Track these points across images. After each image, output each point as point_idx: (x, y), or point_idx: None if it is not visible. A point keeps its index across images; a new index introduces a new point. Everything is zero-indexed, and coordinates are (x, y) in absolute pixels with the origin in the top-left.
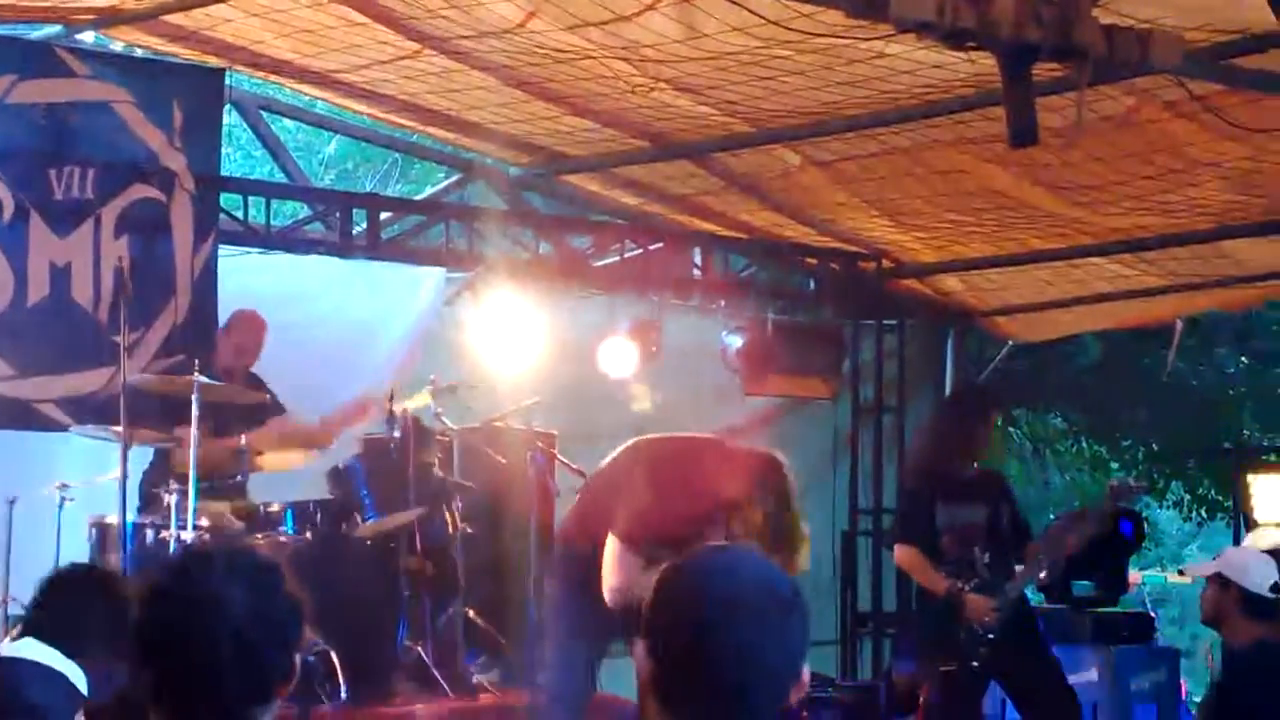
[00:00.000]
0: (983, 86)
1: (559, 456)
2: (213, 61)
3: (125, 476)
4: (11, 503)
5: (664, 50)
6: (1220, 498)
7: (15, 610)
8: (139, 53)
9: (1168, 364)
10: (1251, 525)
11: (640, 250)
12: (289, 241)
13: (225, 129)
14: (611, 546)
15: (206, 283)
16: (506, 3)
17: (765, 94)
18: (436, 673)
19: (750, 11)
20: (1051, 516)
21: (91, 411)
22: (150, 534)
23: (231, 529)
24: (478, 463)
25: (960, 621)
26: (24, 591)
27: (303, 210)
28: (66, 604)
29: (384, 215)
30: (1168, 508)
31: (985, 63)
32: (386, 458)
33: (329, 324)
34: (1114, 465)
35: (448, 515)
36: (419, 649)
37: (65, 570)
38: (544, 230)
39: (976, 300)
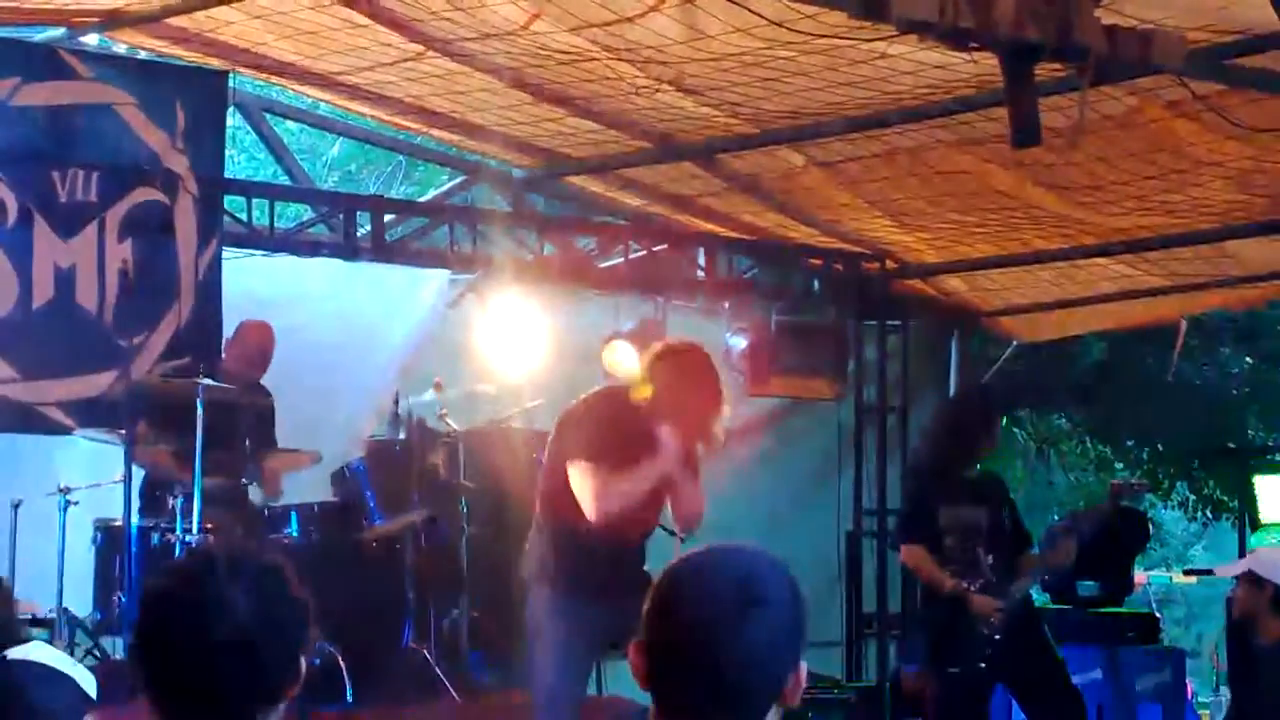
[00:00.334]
0: (985, 87)
1: None
2: (216, 64)
3: (129, 479)
4: (15, 506)
5: (667, 52)
6: (1225, 498)
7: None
8: (142, 55)
9: (1172, 364)
10: (1256, 525)
11: (644, 251)
12: (293, 244)
13: (229, 131)
14: (576, 469)
15: (210, 285)
16: (510, 5)
17: (768, 95)
18: (441, 674)
19: (752, 13)
20: (1055, 517)
21: (96, 415)
22: (155, 537)
23: (235, 532)
24: (482, 465)
25: (966, 622)
26: (29, 594)
27: (306, 212)
28: None
29: (388, 217)
30: (1173, 508)
31: (987, 63)
32: (391, 460)
33: (333, 326)
34: (1118, 465)
35: (452, 517)
36: (424, 651)
37: None
38: (547, 232)
39: (980, 301)
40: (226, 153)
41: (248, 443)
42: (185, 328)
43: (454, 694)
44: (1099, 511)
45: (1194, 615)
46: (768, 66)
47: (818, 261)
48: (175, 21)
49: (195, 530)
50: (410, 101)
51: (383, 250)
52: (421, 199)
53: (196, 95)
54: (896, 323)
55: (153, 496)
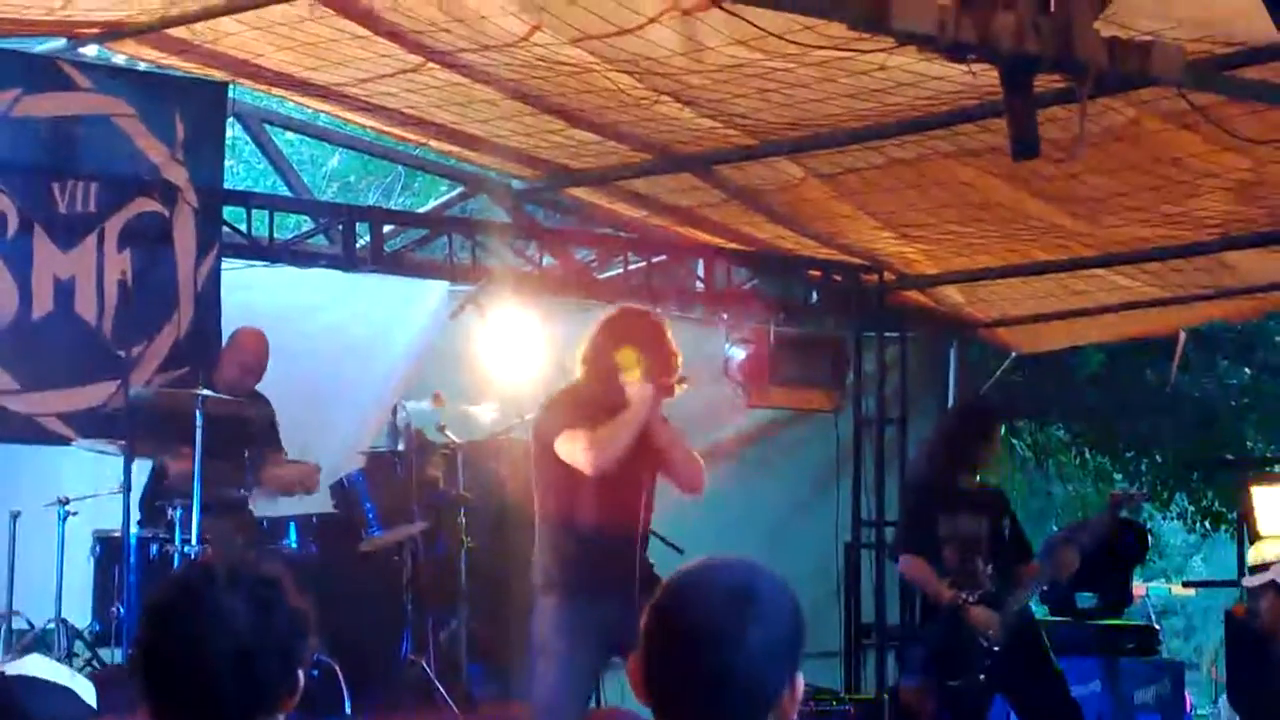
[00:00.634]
0: (984, 99)
1: None
2: (216, 75)
3: (128, 490)
4: (14, 516)
5: (666, 63)
6: (1224, 510)
7: (20, 624)
8: (142, 66)
9: (1171, 376)
10: (1255, 537)
11: (643, 262)
12: (292, 255)
13: (228, 142)
14: (560, 441)
15: (209, 296)
16: (510, 16)
17: (767, 106)
18: (439, 686)
19: (752, 24)
20: (1054, 528)
21: (95, 425)
22: (154, 548)
23: (234, 543)
24: (482, 476)
25: (965, 634)
26: (27, 605)
27: (306, 223)
28: None
29: (387, 228)
30: (1171, 520)
31: (987, 75)
32: (390, 471)
33: (332, 337)
34: (1117, 477)
35: (451, 529)
36: (422, 663)
37: None
38: (547, 243)
39: (979, 312)
40: (226, 164)
41: (247, 453)
42: (184, 338)
43: (452, 706)
44: (1098, 522)
45: (1193, 627)
46: (767, 78)
47: (817, 273)
48: (175, 33)
49: (194, 541)
50: (410, 113)
51: (382, 261)
52: (421, 210)
53: (196, 106)
54: (895, 334)
55: (152, 507)
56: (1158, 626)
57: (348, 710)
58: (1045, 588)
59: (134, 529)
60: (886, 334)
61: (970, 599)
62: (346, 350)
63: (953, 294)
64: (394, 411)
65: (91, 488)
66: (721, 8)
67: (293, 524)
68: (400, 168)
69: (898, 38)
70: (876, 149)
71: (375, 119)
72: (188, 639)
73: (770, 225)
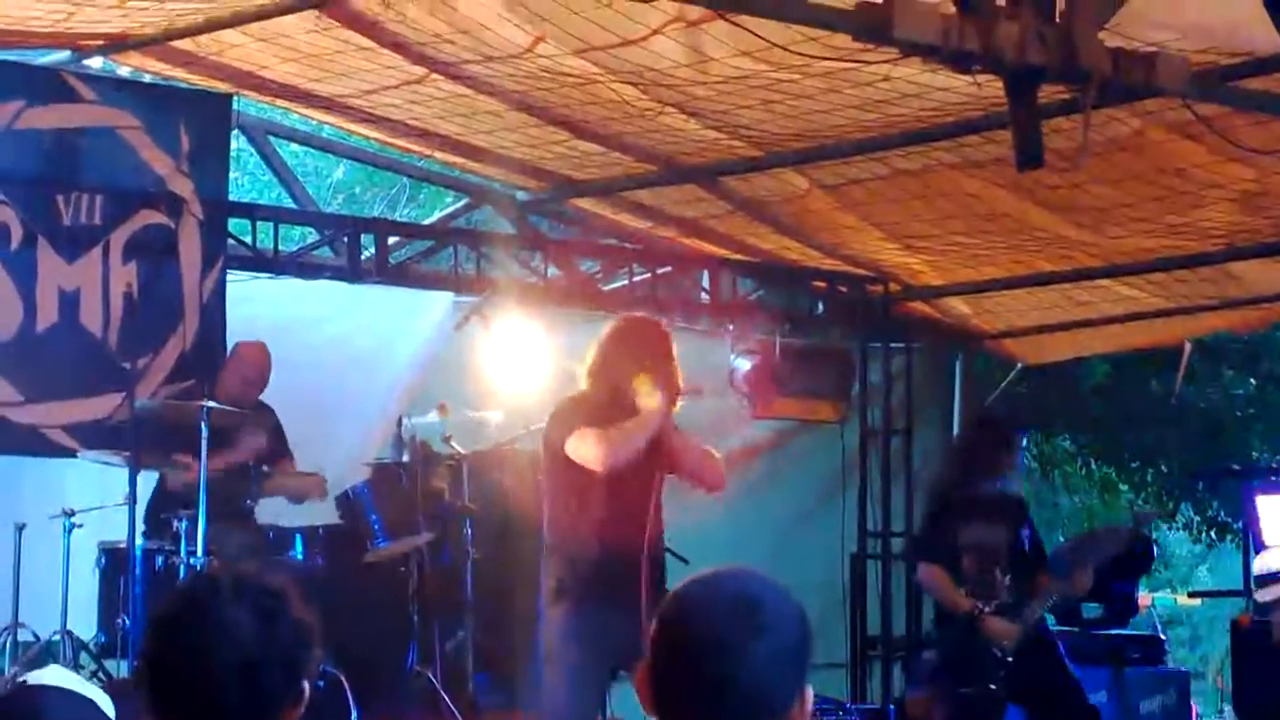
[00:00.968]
0: (989, 110)
1: None
2: (220, 86)
3: (134, 502)
4: (20, 528)
5: (671, 74)
6: (1229, 520)
7: (25, 636)
8: (146, 78)
9: (1176, 386)
10: (1260, 547)
11: (648, 274)
12: (297, 266)
13: (233, 154)
14: (571, 443)
15: (215, 308)
16: (514, 27)
17: (772, 118)
18: (445, 697)
19: (756, 35)
20: (1060, 538)
21: (100, 437)
22: (159, 560)
23: (240, 555)
24: (487, 487)
25: (979, 643)
26: (33, 617)
27: (311, 235)
28: None
29: (392, 240)
30: (1177, 530)
31: (991, 86)
32: (396, 482)
33: (337, 349)
34: (1123, 487)
35: (457, 540)
36: (428, 673)
37: None
38: (552, 254)
39: (984, 323)
40: (230, 175)
41: (252, 465)
42: (190, 350)
43: (458, 716)
44: (1119, 535)
45: (1199, 637)
46: (771, 89)
47: (822, 284)
48: (179, 44)
49: (200, 553)
50: (414, 124)
51: (387, 273)
52: (426, 221)
53: (200, 118)
54: (900, 345)
55: (157, 519)
56: (1163, 636)
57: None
58: (1063, 600)
59: (139, 540)
60: (892, 345)
61: (987, 609)
62: (351, 361)
63: (958, 305)
64: (399, 423)
65: (96, 499)
66: (726, 19)
67: (298, 535)
68: (405, 179)
69: (901, 48)
70: (881, 160)
71: (379, 130)
72: (193, 651)
73: (775, 236)
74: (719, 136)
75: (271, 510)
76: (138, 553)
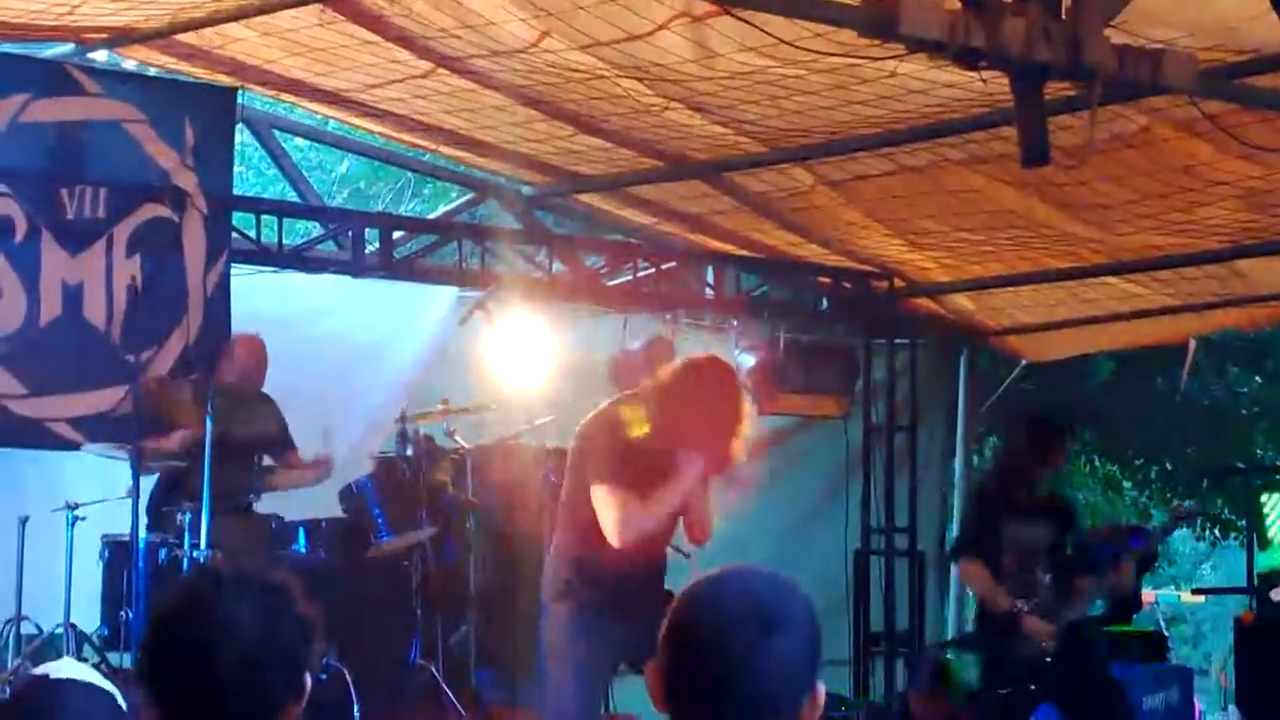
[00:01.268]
0: (995, 106)
1: None
2: (225, 80)
3: (137, 495)
4: (23, 521)
5: (676, 70)
6: (1234, 517)
7: (28, 629)
8: (151, 72)
9: (1181, 384)
10: (1265, 544)
11: (653, 269)
12: (302, 260)
13: (237, 148)
14: (599, 492)
15: (219, 302)
16: (519, 22)
17: (777, 113)
18: (448, 691)
19: (762, 31)
20: None
21: (104, 431)
22: (163, 553)
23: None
24: (491, 482)
25: (1018, 642)
26: (36, 610)
27: (315, 229)
28: None
29: (397, 234)
30: (1180, 527)
31: (997, 82)
32: (399, 477)
33: (342, 343)
34: (1127, 484)
35: (460, 534)
36: (430, 668)
37: None
38: (557, 249)
39: (989, 319)
40: (235, 169)
41: (256, 457)
42: (193, 344)
43: (460, 710)
44: (1156, 534)
45: (1202, 634)
46: (777, 85)
47: (826, 280)
48: (184, 38)
49: (203, 546)
50: (419, 118)
51: (391, 267)
52: (430, 216)
53: (205, 112)
54: (905, 341)
55: (160, 512)
56: (1167, 633)
57: (356, 715)
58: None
59: (142, 533)
60: (896, 341)
61: (1026, 608)
62: (355, 356)
63: (963, 301)
64: (403, 417)
65: (100, 492)
66: (732, 15)
67: (302, 529)
68: (410, 174)
69: (907, 44)
70: (887, 156)
71: (384, 125)
72: (194, 645)
73: (780, 232)
74: (724, 132)
75: (275, 504)
76: (141, 545)
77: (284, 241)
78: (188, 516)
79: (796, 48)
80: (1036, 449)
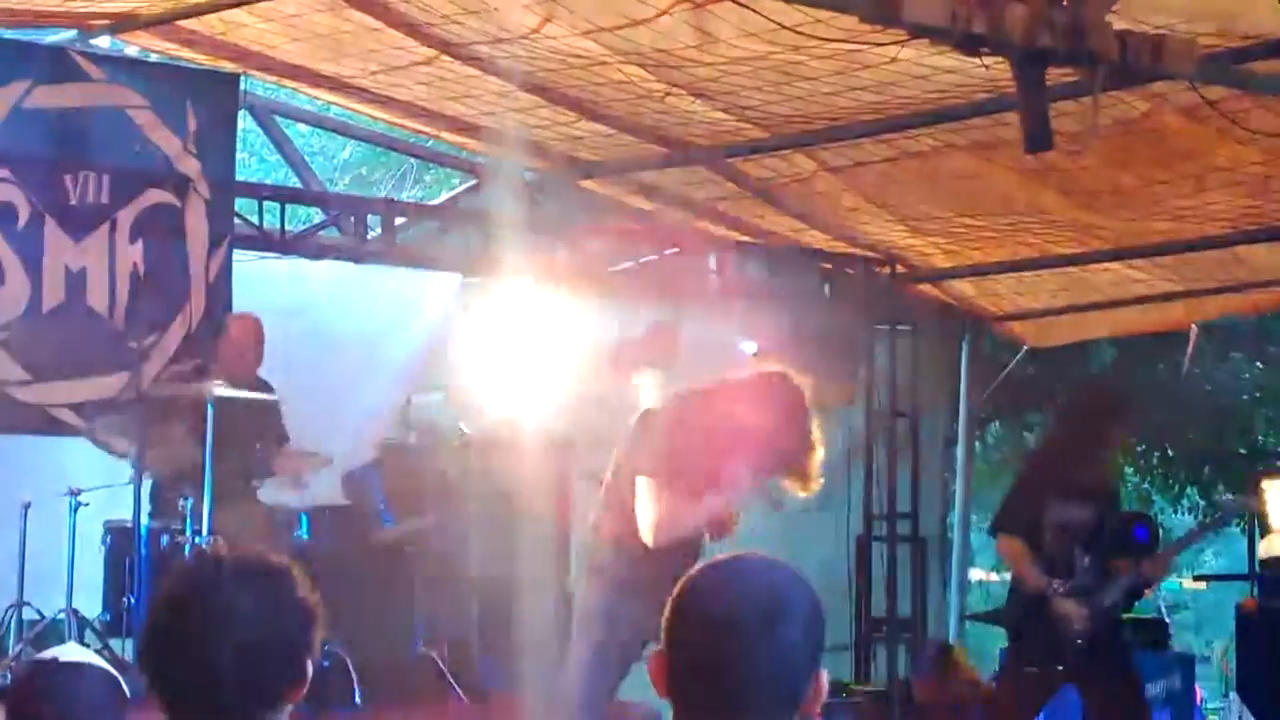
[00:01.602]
0: (997, 92)
1: (575, 461)
2: (227, 66)
3: (140, 481)
4: (25, 507)
5: (678, 55)
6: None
7: (30, 615)
8: (154, 58)
9: (1183, 369)
10: (1266, 531)
11: (656, 255)
12: (304, 246)
13: (240, 134)
14: (644, 485)
15: (221, 288)
16: (522, 8)
17: (780, 99)
18: (451, 678)
19: (764, 17)
20: None
21: (106, 417)
22: (165, 539)
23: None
24: (494, 468)
25: (1048, 622)
26: (38, 596)
27: (318, 215)
28: None
29: (399, 220)
30: (1183, 514)
31: (999, 68)
32: (402, 463)
33: (343, 329)
34: (1128, 470)
35: (463, 521)
36: (433, 654)
37: None
38: (560, 235)
39: (991, 305)
40: (237, 155)
41: (258, 444)
42: (196, 330)
43: (463, 698)
44: (1203, 528)
45: (1204, 621)
46: (779, 71)
47: (829, 265)
48: (187, 24)
49: (205, 532)
50: (422, 105)
51: (393, 253)
52: (433, 202)
53: (208, 98)
54: (907, 327)
55: (163, 498)
56: (1168, 620)
57: (358, 701)
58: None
59: (145, 519)
60: (898, 327)
61: (1060, 589)
62: (358, 342)
63: (965, 287)
64: (406, 403)
65: (102, 478)
66: (734, 0)
67: (304, 516)
68: (412, 160)
69: (909, 30)
70: (889, 142)
71: (387, 111)
72: (194, 631)
73: (782, 218)
74: (727, 118)
75: (277, 490)
76: (143, 531)
77: (286, 227)
78: (190, 503)
79: (799, 33)
80: (1093, 426)
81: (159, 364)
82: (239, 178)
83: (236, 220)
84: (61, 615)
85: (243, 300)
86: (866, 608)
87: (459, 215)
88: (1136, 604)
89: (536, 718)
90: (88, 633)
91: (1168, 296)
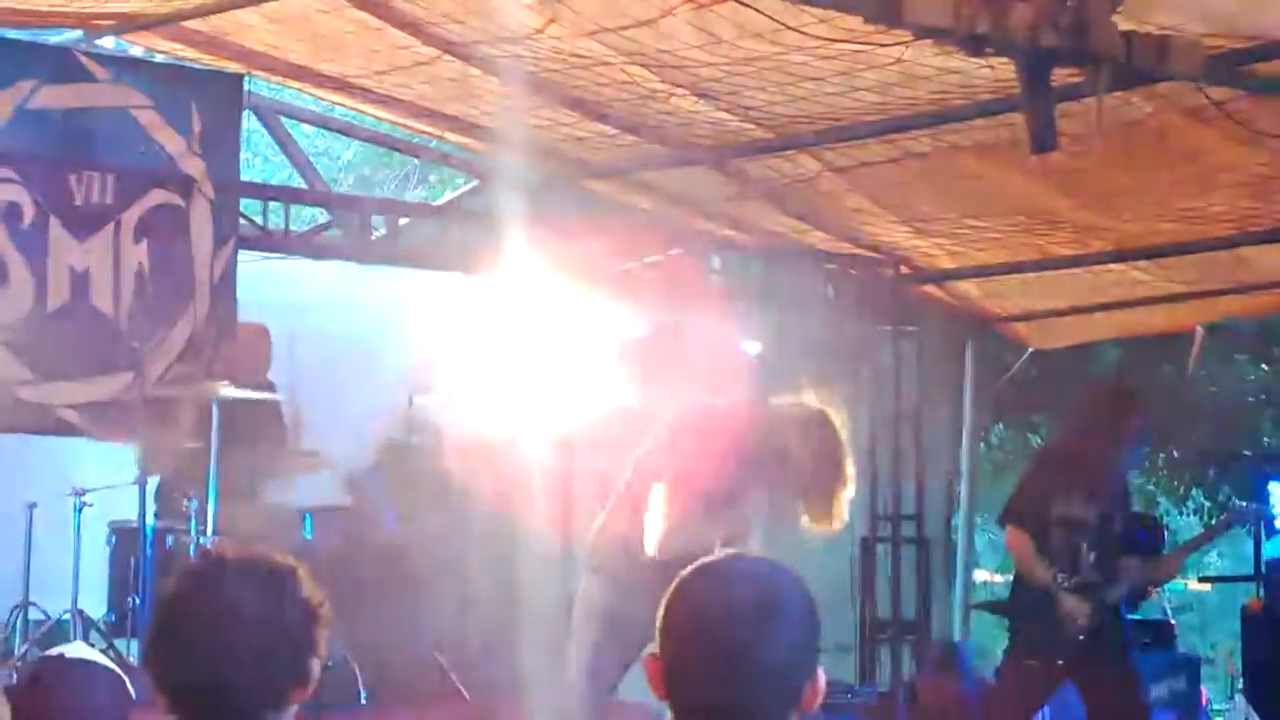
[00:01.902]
0: (1001, 92)
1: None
2: (232, 67)
3: (145, 481)
4: (30, 507)
5: (682, 56)
6: (1240, 505)
7: (35, 615)
8: (159, 58)
9: (1187, 371)
10: (1271, 532)
11: (659, 256)
12: (308, 246)
13: (244, 134)
14: (659, 493)
15: (225, 288)
16: (525, 9)
17: (783, 100)
18: (454, 677)
19: (768, 17)
20: None
21: (111, 417)
22: (170, 539)
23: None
24: (496, 468)
25: (1051, 617)
26: (43, 596)
27: (322, 215)
28: None
29: (402, 220)
30: (1187, 515)
31: (1004, 69)
32: (404, 463)
33: (346, 329)
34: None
35: (468, 522)
36: (437, 654)
37: None
38: (563, 235)
39: (995, 306)
40: (241, 155)
41: (261, 445)
42: (200, 330)
43: (467, 698)
44: (1208, 532)
45: (1209, 622)
46: (783, 71)
47: (833, 266)
48: (191, 24)
49: (210, 532)
50: (425, 105)
51: (397, 254)
52: (436, 202)
53: (212, 98)
54: (911, 328)
55: (168, 498)
56: (1173, 621)
57: (363, 700)
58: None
59: (150, 519)
60: (902, 328)
61: (1065, 584)
62: (361, 342)
63: (969, 288)
64: (408, 403)
65: (107, 478)
66: (737, 1)
67: (308, 516)
68: (416, 160)
69: (914, 31)
70: (893, 143)
71: (391, 111)
72: (199, 630)
73: (786, 219)
74: (730, 119)
75: (281, 490)
76: (148, 532)
77: (290, 228)
78: (195, 503)
79: (802, 34)
80: (1106, 418)
81: (163, 364)
82: (243, 178)
83: (241, 220)
84: (67, 615)
85: (247, 300)
86: (871, 609)
87: (462, 216)
88: (1141, 605)
89: (538, 717)
90: (93, 633)
91: (1172, 298)
